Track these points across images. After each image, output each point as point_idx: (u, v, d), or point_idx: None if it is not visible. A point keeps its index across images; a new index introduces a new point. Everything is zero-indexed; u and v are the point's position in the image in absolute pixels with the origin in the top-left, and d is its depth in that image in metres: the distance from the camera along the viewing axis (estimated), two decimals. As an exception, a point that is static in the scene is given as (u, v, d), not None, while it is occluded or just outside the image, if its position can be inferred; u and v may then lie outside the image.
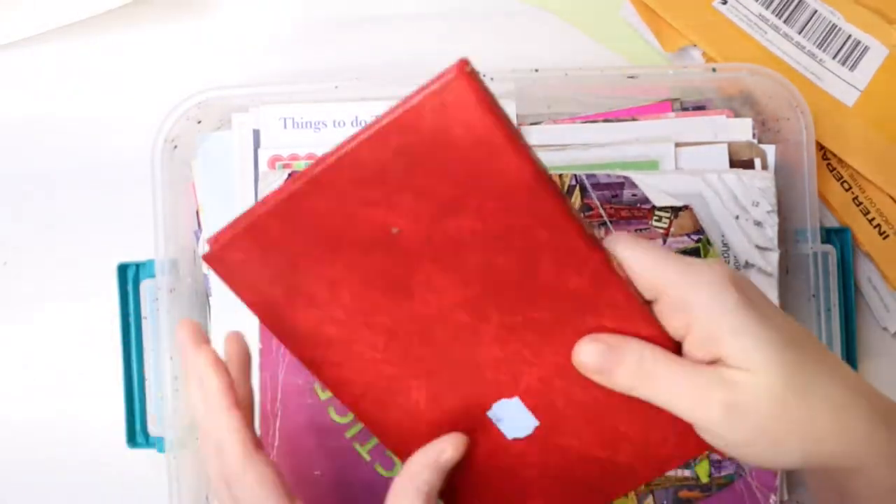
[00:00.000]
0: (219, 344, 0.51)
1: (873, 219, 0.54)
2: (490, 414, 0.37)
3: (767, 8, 0.55)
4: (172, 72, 0.57)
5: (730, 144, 0.51)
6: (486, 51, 0.57)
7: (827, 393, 0.34)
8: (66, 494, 0.56)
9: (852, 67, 0.55)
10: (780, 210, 0.51)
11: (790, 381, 0.33)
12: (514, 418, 0.37)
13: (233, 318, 0.51)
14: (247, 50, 0.57)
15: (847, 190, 0.55)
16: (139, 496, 0.55)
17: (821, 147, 0.55)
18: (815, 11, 0.55)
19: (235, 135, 0.52)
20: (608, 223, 0.50)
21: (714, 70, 0.51)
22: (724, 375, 0.33)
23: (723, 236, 0.50)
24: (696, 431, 0.35)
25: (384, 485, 0.49)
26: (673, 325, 0.34)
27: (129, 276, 0.53)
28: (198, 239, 0.52)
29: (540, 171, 0.32)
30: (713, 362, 0.34)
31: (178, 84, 0.56)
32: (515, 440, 0.38)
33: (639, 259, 0.34)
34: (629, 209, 0.50)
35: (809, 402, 0.33)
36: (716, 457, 0.50)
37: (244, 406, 0.38)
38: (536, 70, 0.51)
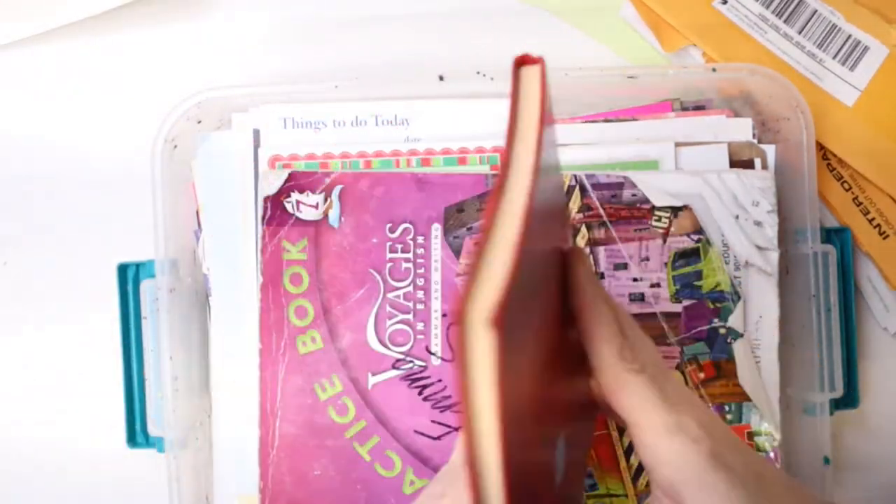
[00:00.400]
0: (218, 343, 0.51)
1: (873, 219, 0.54)
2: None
3: (767, 8, 0.55)
4: (172, 72, 0.57)
5: (730, 144, 0.51)
6: (486, 51, 0.57)
7: None
8: (66, 494, 0.56)
9: (852, 67, 0.55)
10: (780, 210, 0.51)
11: None
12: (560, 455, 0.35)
13: (233, 317, 0.51)
14: (247, 50, 0.57)
15: (847, 190, 0.55)
16: (139, 496, 0.55)
17: (821, 147, 0.55)
18: (815, 11, 0.55)
19: (235, 135, 0.52)
20: (608, 223, 0.50)
21: (714, 70, 0.51)
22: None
23: (723, 236, 0.50)
24: None
25: (384, 485, 0.49)
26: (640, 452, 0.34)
27: (129, 276, 0.53)
28: (198, 239, 0.52)
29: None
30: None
31: (178, 84, 0.56)
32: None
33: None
34: (629, 209, 0.50)
35: None
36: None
37: None
38: (536, 70, 0.51)
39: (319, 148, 0.51)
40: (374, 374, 0.49)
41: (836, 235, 0.53)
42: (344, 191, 0.50)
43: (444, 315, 0.50)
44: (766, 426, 0.49)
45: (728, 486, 0.32)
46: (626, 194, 0.50)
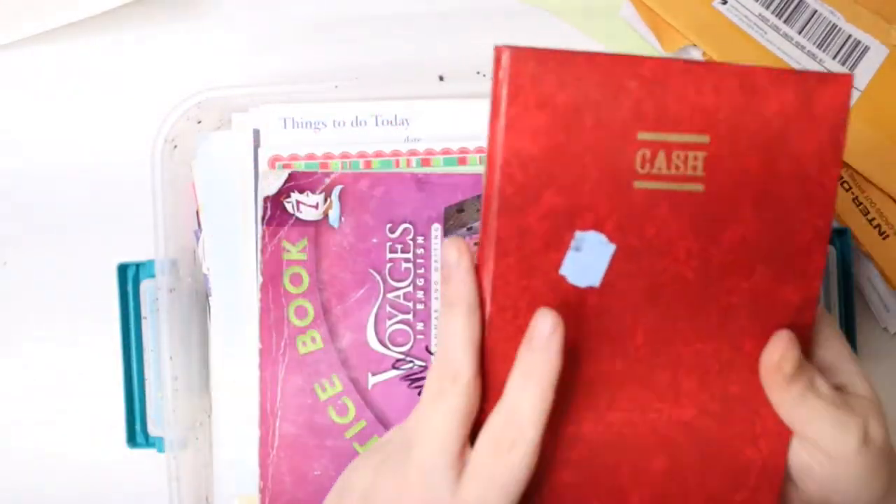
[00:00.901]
0: (218, 343, 0.51)
1: (873, 219, 0.54)
2: None
3: (767, 8, 0.55)
4: (172, 72, 0.57)
5: (730, 144, 0.51)
6: (486, 51, 0.57)
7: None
8: (66, 494, 0.56)
9: (852, 67, 0.55)
10: (780, 210, 0.51)
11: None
12: None
13: (233, 317, 0.51)
14: (247, 50, 0.57)
15: (847, 190, 0.55)
16: (139, 496, 0.55)
17: (821, 147, 0.55)
18: (815, 11, 0.55)
19: (235, 135, 0.52)
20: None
21: (714, 70, 0.51)
22: (861, 402, 0.36)
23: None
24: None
25: (384, 485, 0.49)
26: None
27: (129, 276, 0.53)
28: (198, 239, 0.52)
29: None
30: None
31: (178, 84, 0.56)
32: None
33: None
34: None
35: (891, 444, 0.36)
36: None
37: None
38: (536, 70, 0.51)
39: (319, 148, 0.51)
40: (374, 375, 0.49)
41: (836, 235, 0.53)
42: (344, 191, 0.50)
43: (444, 315, 0.50)
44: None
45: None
46: (626, 194, 0.50)
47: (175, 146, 0.51)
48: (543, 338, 0.33)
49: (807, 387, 0.35)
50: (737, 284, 0.35)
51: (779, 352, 0.35)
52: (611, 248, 0.34)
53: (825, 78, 0.33)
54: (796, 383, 0.35)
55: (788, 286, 0.35)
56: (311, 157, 0.51)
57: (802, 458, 0.37)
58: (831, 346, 0.38)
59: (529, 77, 0.33)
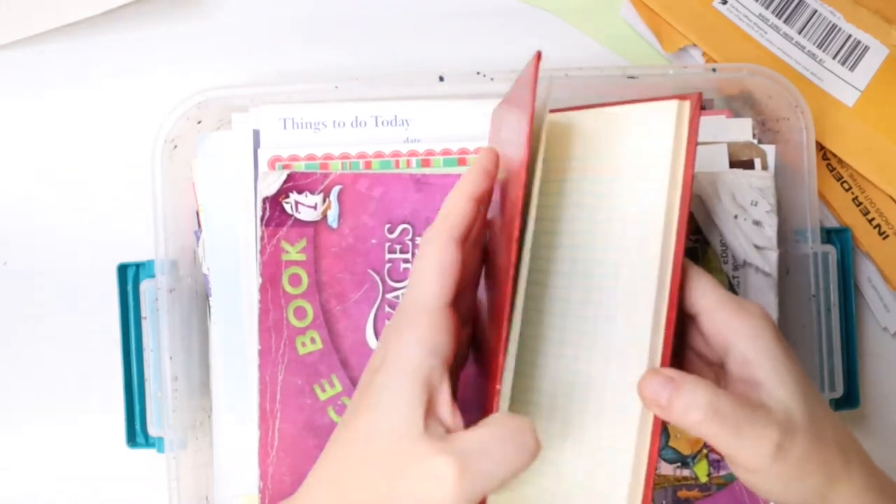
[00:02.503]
0: (218, 343, 0.51)
1: (873, 219, 0.54)
2: None
3: (767, 8, 0.55)
4: (172, 72, 0.57)
5: (729, 144, 0.51)
6: (486, 51, 0.57)
7: (835, 436, 0.37)
8: (67, 494, 0.56)
9: (852, 67, 0.55)
10: (780, 210, 0.51)
11: (814, 419, 0.36)
12: None
13: (233, 317, 0.51)
14: (247, 50, 0.57)
15: (847, 190, 0.55)
16: (139, 496, 0.55)
17: (821, 147, 0.55)
18: (815, 11, 0.55)
19: (235, 135, 0.52)
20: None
21: (714, 70, 0.51)
22: (772, 416, 0.36)
23: (721, 236, 0.50)
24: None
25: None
26: (716, 340, 0.38)
27: (129, 276, 0.53)
28: (198, 239, 0.52)
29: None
30: (752, 386, 0.37)
31: (178, 84, 0.56)
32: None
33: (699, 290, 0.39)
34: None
35: (826, 442, 0.37)
36: (715, 456, 0.50)
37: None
38: (536, 70, 0.51)
39: (319, 149, 0.51)
40: (373, 375, 0.49)
41: (836, 235, 0.53)
42: (342, 191, 0.50)
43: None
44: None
45: (795, 364, 0.37)
46: (626, 194, 0.50)
47: (175, 146, 0.51)
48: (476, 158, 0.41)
49: (707, 410, 0.35)
50: (501, 239, 0.38)
51: (652, 388, 0.36)
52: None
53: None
54: (689, 411, 0.35)
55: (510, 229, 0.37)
56: (310, 157, 0.51)
57: (729, 466, 0.38)
58: (759, 340, 0.37)
59: (493, 115, 0.47)
